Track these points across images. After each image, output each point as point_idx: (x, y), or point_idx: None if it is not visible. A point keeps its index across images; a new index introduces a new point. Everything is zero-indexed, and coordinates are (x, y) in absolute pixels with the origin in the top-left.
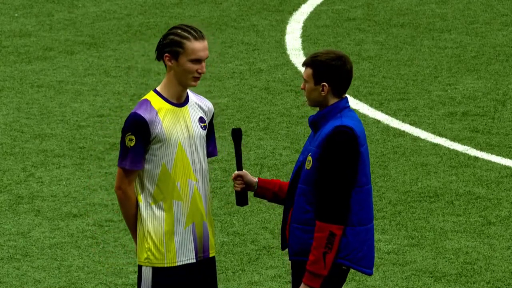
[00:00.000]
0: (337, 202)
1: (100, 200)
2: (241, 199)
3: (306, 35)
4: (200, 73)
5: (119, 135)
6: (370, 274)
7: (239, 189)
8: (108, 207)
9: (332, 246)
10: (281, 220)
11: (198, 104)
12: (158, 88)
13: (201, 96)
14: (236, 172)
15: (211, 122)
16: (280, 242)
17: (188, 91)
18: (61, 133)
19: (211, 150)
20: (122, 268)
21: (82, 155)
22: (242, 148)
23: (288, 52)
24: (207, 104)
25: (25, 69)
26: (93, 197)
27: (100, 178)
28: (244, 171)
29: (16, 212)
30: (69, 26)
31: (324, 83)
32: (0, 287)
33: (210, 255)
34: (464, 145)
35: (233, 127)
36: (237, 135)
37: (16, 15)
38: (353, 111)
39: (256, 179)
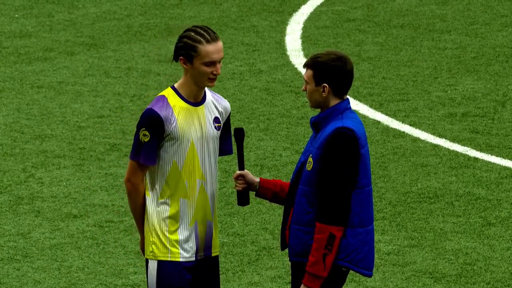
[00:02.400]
0: (337, 203)
1: (100, 201)
2: (242, 199)
3: (306, 36)
4: (215, 75)
5: (120, 136)
6: (369, 275)
7: (240, 188)
8: (108, 208)
9: (332, 248)
10: (281, 220)
11: (215, 104)
12: (176, 85)
13: (219, 95)
14: (238, 171)
15: (227, 122)
16: (280, 242)
17: (207, 89)
18: (61, 134)
19: (227, 148)
20: (122, 269)
21: (82, 156)
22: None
23: (288, 53)
24: (224, 104)
25: (25, 70)
26: (93, 198)
27: (100, 179)
28: (246, 171)
29: (16, 212)
30: (69, 27)
31: (325, 84)
32: None
33: (213, 254)
34: (464, 146)
35: (235, 127)
36: (239, 134)
37: (16, 16)
38: (354, 112)
39: (257, 179)
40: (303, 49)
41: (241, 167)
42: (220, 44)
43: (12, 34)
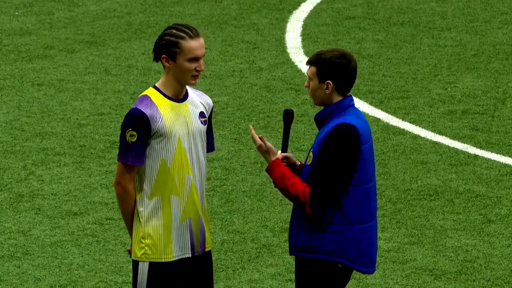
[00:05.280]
0: (322, 194)
1: (101, 198)
2: None
3: (306, 34)
4: (198, 71)
5: (120, 133)
6: (369, 272)
7: None
8: (109, 205)
9: (289, 195)
10: (283, 218)
11: (198, 99)
12: (157, 85)
13: (200, 92)
14: (282, 153)
15: (209, 118)
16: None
17: (188, 87)
18: (62, 132)
19: (209, 145)
20: (123, 266)
21: (82, 154)
22: (243, 147)
23: (288, 50)
24: (206, 100)
25: (26, 68)
26: (93, 195)
27: (101, 177)
28: (290, 153)
29: (16, 210)
30: (69, 24)
31: (329, 81)
32: (1, 285)
33: (206, 249)
34: (464, 143)
35: (286, 108)
36: (289, 116)
37: (17, 13)
38: (358, 109)
39: (299, 163)
40: (303, 47)
41: (285, 149)
42: (202, 40)
43: (12, 32)
